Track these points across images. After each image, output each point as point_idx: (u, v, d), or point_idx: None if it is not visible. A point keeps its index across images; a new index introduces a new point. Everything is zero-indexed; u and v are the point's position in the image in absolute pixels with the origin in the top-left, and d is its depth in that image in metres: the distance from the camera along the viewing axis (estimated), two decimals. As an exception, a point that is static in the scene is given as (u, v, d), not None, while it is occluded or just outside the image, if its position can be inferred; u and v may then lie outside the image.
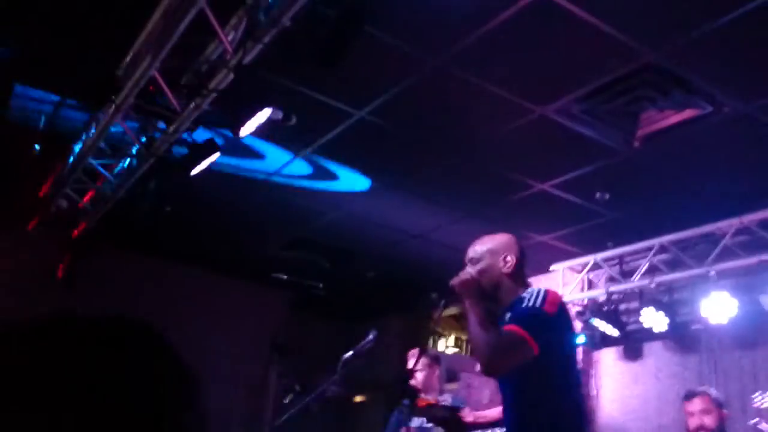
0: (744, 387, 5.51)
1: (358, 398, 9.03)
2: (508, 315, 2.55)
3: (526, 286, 2.67)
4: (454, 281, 2.65)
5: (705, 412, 4.51)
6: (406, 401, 3.60)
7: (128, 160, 5.45)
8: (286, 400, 4.41)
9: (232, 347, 7.68)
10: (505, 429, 2.69)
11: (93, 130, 4.79)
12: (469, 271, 2.73)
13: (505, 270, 2.69)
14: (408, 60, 4.27)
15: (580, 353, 6.82)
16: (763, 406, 5.23)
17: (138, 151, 4.99)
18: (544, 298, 2.52)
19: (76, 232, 6.26)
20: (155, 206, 5.65)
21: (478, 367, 2.74)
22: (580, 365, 6.81)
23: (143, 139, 4.61)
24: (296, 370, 4.70)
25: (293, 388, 4.39)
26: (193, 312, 7.75)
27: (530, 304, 2.52)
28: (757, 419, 4.30)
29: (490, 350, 2.46)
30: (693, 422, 4.65)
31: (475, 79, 4.38)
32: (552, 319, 2.50)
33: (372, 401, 8.54)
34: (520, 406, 2.58)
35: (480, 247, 2.77)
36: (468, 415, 4.02)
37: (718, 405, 4.61)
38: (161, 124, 4.51)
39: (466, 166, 5.50)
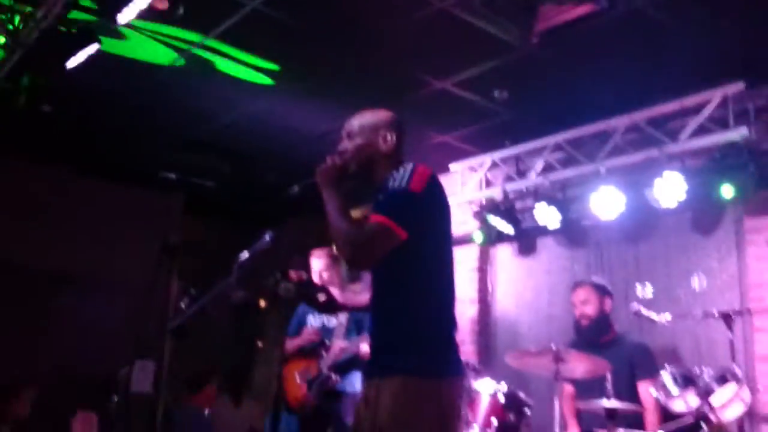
0: (628, 278, 5.83)
1: (261, 303, 9.01)
2: (379, 197, 2.44)
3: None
4: (318, 168, 2.53)
5: (585, 302, 4.85)
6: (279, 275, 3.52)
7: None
8: (182, 304, 4.29)
9: (123, 252, 7.40)
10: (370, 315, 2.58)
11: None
12: (344, 146, 2.62)
13: (384, 148, 2.57)
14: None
15: (476, 251, 7.01)
16: (644, 297, 5.56)
17: (5, 41, 4.53)
18: (410, 176, 2.39)
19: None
20: (31, 105, 5.23)
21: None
22: (477, 261, 7.01)
23: (9, 28, 4.18)
24: (192, 273, 4.57)
25: (189, 291, 4.26)
26: (78, 218, 7.38)
27: (396, 184, 2.39)
28: (638, 307, 4.56)
29: (352, 244, 2.35)
30: (577, 311, 4.97)
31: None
32: (419, 197, 2.38)
33: (274, 306, 8.54)
34: (384, 292, 2.47)
35: (358, 121, 2.64)
36: (339, 296, 4.04)
37: (602, 293, 4.90)
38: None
39: (365, 62, 5.33)
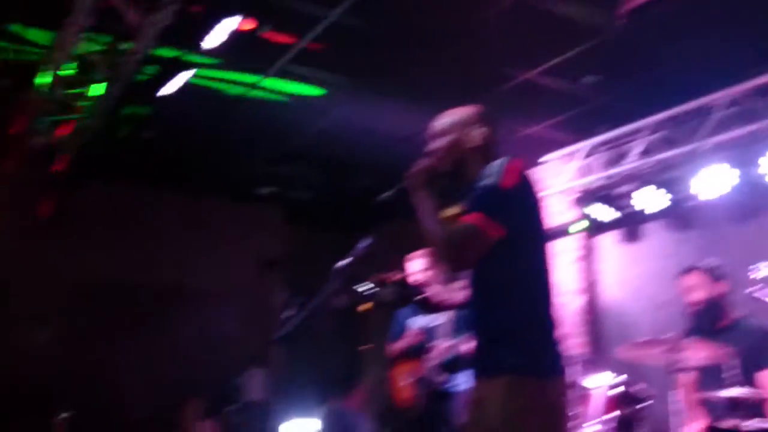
0: (741, 258, 5.49)
1: (363, 307, 9.10)
2: (472, 195, 2.37)
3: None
4: (409, 172, 2.47)
5: (694, 287, 4.55)
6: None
7: (101, 86, 5.26)
8: (286, 315, 4.40)
9: (229, 268, 7.68)
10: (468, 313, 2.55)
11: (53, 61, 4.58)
12: (434, 146, 2.58)
13: (474, 143, 2.50)
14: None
15: (580, 239, 6.83)
16: (759, 276, 5.23)
17: (107, 75, 4.80)
18: (501, 172, 2.30)
19: (56, 167, 6.12)
20: (134, 133, 5.51)
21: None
22: (580, 251, 6.83)
23: (110, 64, 4.41)
24: (294, 284, 4.68)
25: (292, 302, 4.37)
26: (185, 237, 7.71)
27: (487, 182, 2.31)
28: (758, 286, 4.29)
29: (449, 247, 2.29)
30: (686, 297, 4.69)
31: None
32: (512, 193, 2.30)
33: (375, 309, 8.62)
34: (481, 290, 2.41)
35: (446, 119, 2.57)
36: (435, 296, 3.99)
37: (713, 277, 4.59)
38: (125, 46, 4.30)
39: (447, 60, 5.31)
